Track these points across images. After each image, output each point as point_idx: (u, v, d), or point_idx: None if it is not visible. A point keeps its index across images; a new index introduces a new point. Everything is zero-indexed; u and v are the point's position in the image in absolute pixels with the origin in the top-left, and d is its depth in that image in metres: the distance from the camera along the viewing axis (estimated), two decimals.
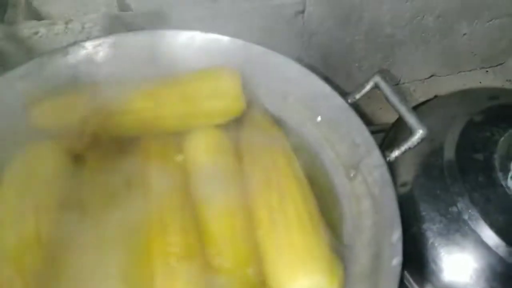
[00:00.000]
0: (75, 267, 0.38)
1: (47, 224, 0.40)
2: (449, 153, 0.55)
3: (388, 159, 0.44)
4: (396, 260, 0.37)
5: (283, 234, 0.41)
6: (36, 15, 0.63)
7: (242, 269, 0.41)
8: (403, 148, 0.45)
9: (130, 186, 0.45)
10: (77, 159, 0.47)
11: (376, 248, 0.40)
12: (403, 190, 0.54)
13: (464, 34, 0.83)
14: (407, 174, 0.56)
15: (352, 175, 0.46)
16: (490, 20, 0.82)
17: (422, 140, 0.45)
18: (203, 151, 0.49)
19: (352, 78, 0.72)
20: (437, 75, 0.90)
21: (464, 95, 0.68)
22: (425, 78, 0.89)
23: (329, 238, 0.42)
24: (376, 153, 0.44)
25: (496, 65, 0.94)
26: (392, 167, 0.45)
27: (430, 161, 0.56)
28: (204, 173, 0.47)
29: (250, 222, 0.44)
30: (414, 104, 0.60)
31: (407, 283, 0.52)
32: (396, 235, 0.38)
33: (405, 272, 0.53)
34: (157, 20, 0.58)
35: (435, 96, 0.69)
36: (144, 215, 0.42)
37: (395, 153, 0.45)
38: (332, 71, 0.65)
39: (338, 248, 0.42)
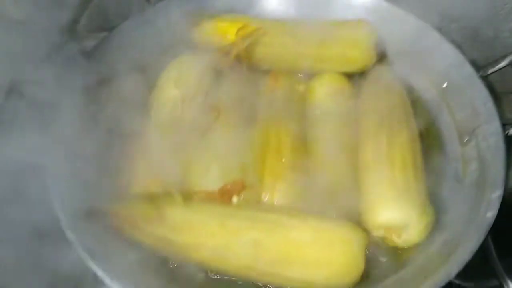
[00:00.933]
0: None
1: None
2: None
3: (506, 132, 0.45)
4: (491, 213, 0.38)
5: (386, 171, 0.44)
6: None
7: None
8: None
9: (258, 100, 0.52)
10: (218, 73, 0.55)
11: (472, 204, 0.41)
12: None
13: None
14: None
15: (465, 140, 0.47)
16: None
17: None
18: (325, 92, 0.54)
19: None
20: None
21: None
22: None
23: (428, 188, 0.44)
24: (496, 122, 0.44)
25: None
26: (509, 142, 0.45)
27: None
28: (322, 110, 0.52)
29: (355, 158, 0.48)
30: None
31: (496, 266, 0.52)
32: (497, 193, 0.39)
33: (495, 252, 0.53)
34: None
35: None
36: (266, 123, 0.49)
37: None
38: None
39: (435, 198, 0.44)
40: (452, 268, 0.37)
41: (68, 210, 0.40)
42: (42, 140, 0.42)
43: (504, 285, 0.51)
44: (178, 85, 0.52)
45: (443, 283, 0.36)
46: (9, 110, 0.45)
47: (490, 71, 0.50)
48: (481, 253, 0.52)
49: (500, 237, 0.53)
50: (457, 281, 0.49)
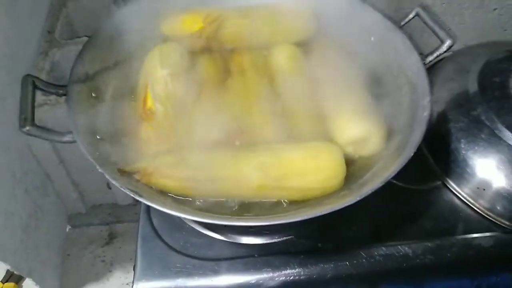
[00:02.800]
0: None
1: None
2: (472, 76, 0.71)
3: (424, 61, 0.60)
4: (426, 113, 0.53)
5: (345, 101, 0.58)
6: None
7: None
8: (435, 53, 0.61)
9: (231, 73, 0.64)
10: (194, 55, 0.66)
11: (411, 112, 0.56)
12: (435, 97, 0.70)
13: (495, 9, 0.98)
14: (439, 88, 0.72)
15: (395, 73, 0.62)
16: None
17: (449, 48, 0.61)
18: (284, 57, 0.67)
19: None
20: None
21: (490, 44, 0.83)
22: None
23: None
24: (415, 54, 0.60)
25: None
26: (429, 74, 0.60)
27: (457, 80, 0.72)
28: (285, 71, 0.65)
29: (320, 101, 0.61)
30: None
31: (434, 169, 0.68)
32: (427, 99, 0.54)
33: (431, 158, 0.69)
34: None
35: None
36: (243, 84, 0.61)
37: (429, 58, 0.61)
38: None
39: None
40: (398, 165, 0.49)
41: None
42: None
43: (445, 183, 0.67)
44: (164, 67, 0.62)
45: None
46: None
47: (402, 22, 0.66)
48: (419, 161, 0.68)
49: (432, 146, 0.69)
50: (399, 182, 0.64)
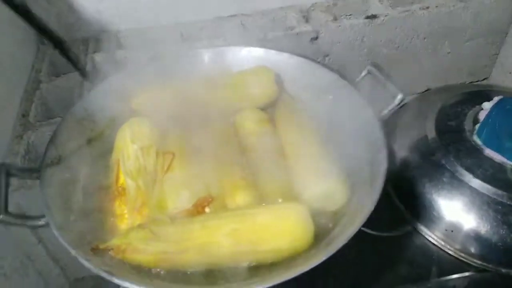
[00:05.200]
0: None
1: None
2: (430, 122, 0.75)
3: (379, 115, 0.64)
4: (383, 167, 0.56)
5: (308, 160, 0.61)
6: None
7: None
8: (389, 107, 0.65)
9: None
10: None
11: (370, 166, 0.59)
12: (395, 146, 0.73)
13: (448, 53, 1.04)
14: (400, 136, 0.76)
15: (354, 129, 0.66)
16: (467, 41, 1.03)
17: (401, 101, 0.65)
18: (250, 121, 0.70)
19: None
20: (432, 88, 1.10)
21: (445, 88, 0.89)
22: (422, 92, 1.09)
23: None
24: (370, 110, 0.64)
25: (483, 79, 1.14)
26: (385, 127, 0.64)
27: (416, 127, 0.76)
28: (252, 135, 0.68)
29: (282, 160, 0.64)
30: None
31: (405, 214, 0.70)
32: (383, 153, 0.57)
33: (401, 204, 0.71)
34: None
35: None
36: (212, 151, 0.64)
37: (384, 111, 0.65)
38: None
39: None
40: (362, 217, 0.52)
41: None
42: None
43: (416, 228, 0.69)
44: (134, 141, 0.64)
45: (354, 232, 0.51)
46: None
47: (357, 79, 0.71)
48: (390, 208, 0.71)
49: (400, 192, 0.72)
50: (372, 231, 0.66)
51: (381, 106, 0.66)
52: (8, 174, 0.56)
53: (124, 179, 0.60)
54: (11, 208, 0.54)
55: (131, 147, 0.64)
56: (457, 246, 0.65)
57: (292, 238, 0.53)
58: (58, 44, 0.72)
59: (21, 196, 0.63)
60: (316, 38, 0.93)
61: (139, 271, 0.52)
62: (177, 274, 0.52)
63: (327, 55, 0.96)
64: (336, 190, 0.58)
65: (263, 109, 0.74)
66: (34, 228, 0.54)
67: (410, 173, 0.71)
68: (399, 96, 0.65)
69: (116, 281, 0.46)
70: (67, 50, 0.73)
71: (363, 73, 0.71)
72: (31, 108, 0.75)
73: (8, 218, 0.51)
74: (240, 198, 0.58)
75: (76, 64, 0.74)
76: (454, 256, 0.65)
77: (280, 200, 0.58)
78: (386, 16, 0.93)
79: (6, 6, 0.62)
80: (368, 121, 0.63)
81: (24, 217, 0.53)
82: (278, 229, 0.53)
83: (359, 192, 0.59)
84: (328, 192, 0.58)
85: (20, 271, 0.70)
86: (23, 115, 0.74)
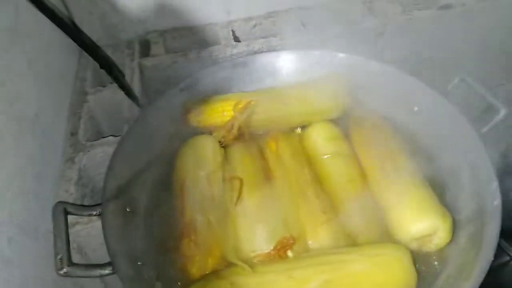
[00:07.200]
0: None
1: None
2: None
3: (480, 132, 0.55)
4: (497, 201, 0.47)
5: (402, 191, 0.52)
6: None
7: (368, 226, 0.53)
8: (491, 124, 0.56)
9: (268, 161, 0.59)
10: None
11: (477, 198, 0.50)
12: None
13: None
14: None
15: (450, 151, 0.57)
16: None
17: (505, 116, 0.55)
18: (322, 137, 0.62)
19: None
20: None
21: None
22: None
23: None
24: (471, 129, 0.54)
25: None
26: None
27: None
28: (325, 155, 0.60)
29: (366, 188, 0.56)
30: None
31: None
32: (494, 184, 0.49)
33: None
34: None
35: None
36: (284, 178, 0.56)
37: (485, 128, 0.56)
38: None
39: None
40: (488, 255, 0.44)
41: None
42: None
43: None
44: (200, 165, 0.58)
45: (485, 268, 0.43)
46: None
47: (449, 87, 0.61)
48: None
49: None
50: None
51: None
52: (66, 213, 0.51)
53: (191, 213, 0.54)
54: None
55: (195, 173, 0.57)
56: None
57: None
58: (101, 58, 0.65)
59: (77, 234, 0.57)
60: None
61: None
62: None
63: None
64: (439, 229, 0.50)
65: (335, 121, 0.65)
66: (99, 277, 0.48)
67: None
68: (503, 112, 0.56)
69: None
70: (111, 67, 0.66)
71: (455, 80, 0.61)
72: (80, 124, 0.69)
73: (73, 270, 0.45)
74: (324, 237, 0.51)
75: (122, 85, 0.67)
76: None
77: (371, 239, 0.51)
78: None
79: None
80: (468, 143, 0.54)
81: (89, 267, 0.47)
82: (378, 281, 0.46)
83: (465, 231, 0.50)
84: (430, 231, 0.50)
85: None
86: (72, 134, 0.68)
